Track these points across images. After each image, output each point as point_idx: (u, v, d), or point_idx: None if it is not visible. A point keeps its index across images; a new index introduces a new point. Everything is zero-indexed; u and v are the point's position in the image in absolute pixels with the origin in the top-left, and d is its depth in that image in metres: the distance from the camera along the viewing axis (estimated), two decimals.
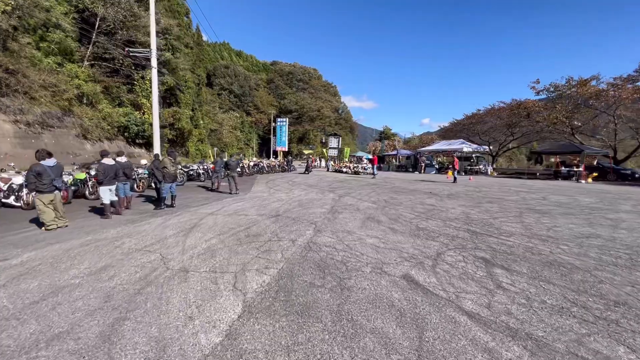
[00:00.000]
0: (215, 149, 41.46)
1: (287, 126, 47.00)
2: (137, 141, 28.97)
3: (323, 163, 39.81)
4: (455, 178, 17.34)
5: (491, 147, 33.12)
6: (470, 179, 19.83)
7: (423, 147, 38.49)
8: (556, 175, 21.14)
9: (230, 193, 11.68)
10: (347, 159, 37.36)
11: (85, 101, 24.82)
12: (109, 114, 25.98)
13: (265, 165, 25.34)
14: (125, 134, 27.87)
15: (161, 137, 32.40)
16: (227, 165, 12.19)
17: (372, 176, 21.92)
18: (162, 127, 32.27)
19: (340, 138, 46.12)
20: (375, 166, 22.31)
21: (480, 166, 27.27)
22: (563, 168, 20.62)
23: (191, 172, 16.52)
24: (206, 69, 58.22)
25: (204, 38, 52.94)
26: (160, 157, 8.73)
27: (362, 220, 6.89)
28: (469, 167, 26.55)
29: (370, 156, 42.98)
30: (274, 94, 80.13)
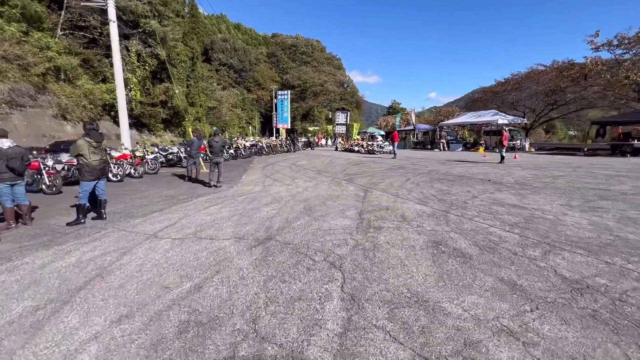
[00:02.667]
0: (215, 128, 38.01)
1: (289, 100, 42.55)
2: None
3: (329, 142, 36.10)
4: (502, 157, 13.73)
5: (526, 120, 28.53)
6: (515, 158, 16.13)
7: (443, 120, 34.14)
8: (619, 151, 17.11)
9: (210, 186, 8.42)
10: (358, 136, 33.53)
11: (62, 77, 21.72)
12: (90, 90, 22.98)
13: (264, 145, 21.82)
14: (112, 112, 24.91)
15: (153, 116, 29.40)
16: (209, 147, 8.93)
17: (393, 156, 18.32)
18: (153, 105, 29.03)
19: (349, 113, 41.83)
20: (396, 144, 18.61)
21: (517, 141, 23.15)
22: (637, 141, 16.49)
23: (170, 157, 13.24)
24: (203, 42, 53.68)
25: (200, 10, 48.10)
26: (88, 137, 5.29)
27: (429, 254, 3.54)
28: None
29: (382, 132, 38.74)
30: (275, 68, 74.96)
